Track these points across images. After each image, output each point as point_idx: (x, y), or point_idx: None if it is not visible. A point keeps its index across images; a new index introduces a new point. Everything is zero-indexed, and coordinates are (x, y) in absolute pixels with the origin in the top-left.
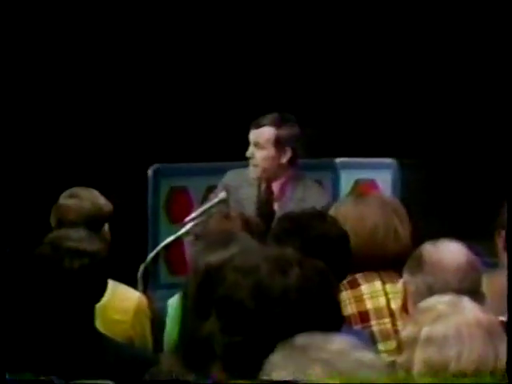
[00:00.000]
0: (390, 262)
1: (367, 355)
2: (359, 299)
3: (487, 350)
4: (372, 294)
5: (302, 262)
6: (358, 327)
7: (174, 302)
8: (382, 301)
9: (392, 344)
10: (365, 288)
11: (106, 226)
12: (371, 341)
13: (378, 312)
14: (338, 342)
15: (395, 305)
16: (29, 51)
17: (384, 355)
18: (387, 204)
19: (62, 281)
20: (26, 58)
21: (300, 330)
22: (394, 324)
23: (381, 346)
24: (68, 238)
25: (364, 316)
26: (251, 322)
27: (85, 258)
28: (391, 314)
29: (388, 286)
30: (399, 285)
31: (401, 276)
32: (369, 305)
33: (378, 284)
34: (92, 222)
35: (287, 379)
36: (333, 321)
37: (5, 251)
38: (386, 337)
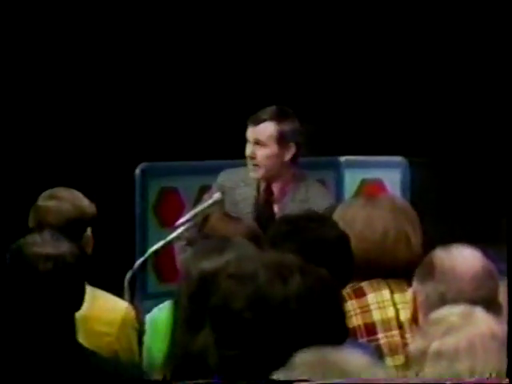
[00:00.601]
0: (399, 270)
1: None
2: (365, 310)
3: (503, 363)
4: (379, 304)
5: (303, 268)
6: (363, 340)
7: (153, 317)
8: (391, 311)
9: (401, 358)
10: (371, 297)
11: (89, 231)
12: (378, 355)
13: (386, 324)
14: (357, 356)
15: (404, 316)
16: (14, 53)
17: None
18: (398, 207)
19: (30, 288)
20: (11, 59)
21: (301, 343)
22: (403, 337)
23: (389, 361)
24: (32, 243)
25: (370, 328)
26: (249, 334)
27: (48, 263)
28: (400, 326)
29: (397, 296)
30: (409, 294)
31: (411, 285)
32: (375, 316)
33: (385, 293)
34: (73, 225)
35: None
36: (337, 333)
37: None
38: (394, 351)
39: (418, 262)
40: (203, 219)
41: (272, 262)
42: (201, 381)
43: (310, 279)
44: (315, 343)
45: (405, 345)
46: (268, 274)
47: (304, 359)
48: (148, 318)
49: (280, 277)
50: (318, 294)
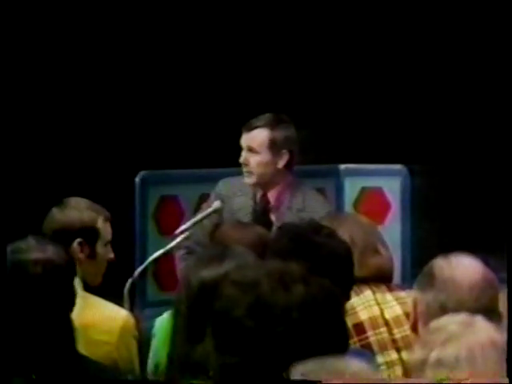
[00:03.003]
0: (373, 276)
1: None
2: (352, 312)
3: (503, 372)
4: (364, 304)
5: (306, 278)
6: (353, 340)
7: (161, 321)
8: (376, 310)
9: (391, 354)
10: (355, 300)
11: (76, 242)
12: (369, 353)
13: (374, 321)
14: (355, 362)
15: (389, 314)
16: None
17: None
18: (363, 223)
19: (22, 294)
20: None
21: (302, 352)
22: (390, 333)
23: (379, 358)
24: (17, 250)
25: (359, 328)
26: (249, 342)
27: (37, 267)
28: (386, 323)
29: (379, 296)
30: (390, 296)
31: (389, 288)
32: (363, 315)
33: (368, 294)
34: (58, 235)
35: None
36: (338, 342)
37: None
38: (383, 347)
39: (389, 268)
40: (214, 226)
41: (275, 271)
42: (200, 381)
43: (313, 289)
44: (317, 352)
45: (393, 341)
46: (271, 283)
47: (304, 370)
48: (158, 321)
49: (282, 285)
50: (321, 303)
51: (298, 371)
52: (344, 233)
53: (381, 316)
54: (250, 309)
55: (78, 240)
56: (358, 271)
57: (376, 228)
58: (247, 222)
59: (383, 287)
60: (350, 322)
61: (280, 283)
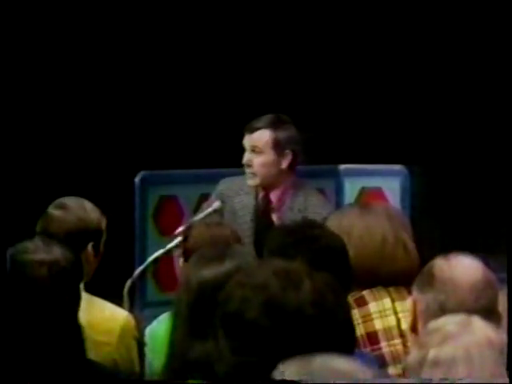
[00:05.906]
0: (399, 277)
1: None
2: (367, 319)
3: (500, 372)
4: (381, 312)
5: (311, 274)
6: (366, 350)
7: (151, 331)
8: (392, 320)
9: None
10: (373, 306)
11: (90, 246)
12: (381, 364)
13: (388, 332)
14: (342, 359)
15: (406, 324)
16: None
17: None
18: (393, 215)
19: (27, 296)
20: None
21: (316, 346)
22: (405, 345)
23: (391, 370)
24: (24, 250)
25: (373, 337)
26: (267, 341)
27: (43, 268)
28: (401, 335)
29: (398, 304)
30: (409, 303)
31: (411, 293)
32: (378, 325)
33: (387, 302)
34: (74, 238)
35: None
36: (348, 334)
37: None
38: (396, 359)
39: (416, 268)
40: (185, 229)
41: (282, 270)
42: (199, 381)
43: (319, 284)
44: (329, 345)
45: (407, 353)
46: (280, 281)
47: (289, 370)
48: (148, 330)
49: (292, 283)
50: (329, 297)
51: (279, 371)
52: (375, 226)
53: (397, 326)
54: (263, 309)
55: (92, 243)
56: (386, 270)
57: (406, 220)
58: (212, 223)
59: (404, 292)
60: (364, 329)
61: (288, 281)
